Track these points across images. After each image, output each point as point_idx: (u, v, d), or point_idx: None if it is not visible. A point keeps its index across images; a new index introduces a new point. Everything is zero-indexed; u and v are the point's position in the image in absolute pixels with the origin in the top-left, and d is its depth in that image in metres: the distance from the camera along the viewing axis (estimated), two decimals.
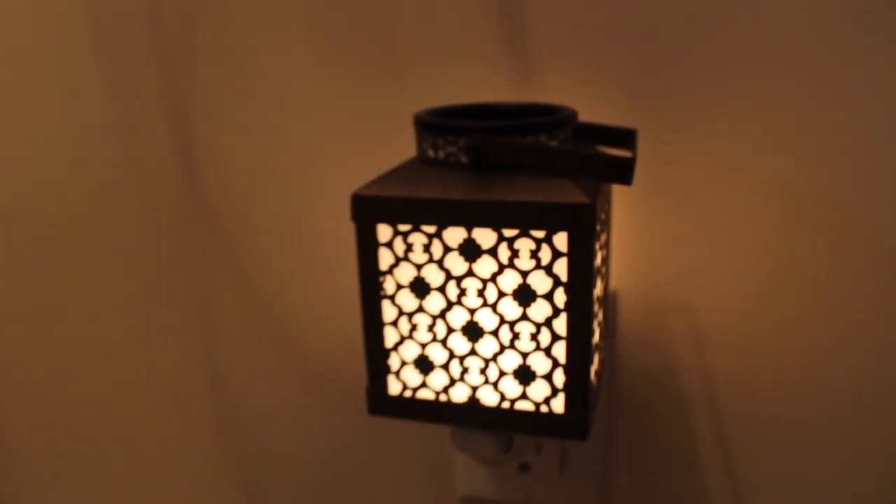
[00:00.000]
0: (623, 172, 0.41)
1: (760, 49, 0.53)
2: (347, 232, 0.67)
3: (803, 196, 0.55)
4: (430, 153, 0.46)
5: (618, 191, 0.59)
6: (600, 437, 0.64)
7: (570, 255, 0.42)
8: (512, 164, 0.43)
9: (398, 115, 0.63)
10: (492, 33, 0.58)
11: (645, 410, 0.64)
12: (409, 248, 0.45)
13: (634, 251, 0.60)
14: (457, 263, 0.44)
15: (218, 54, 0.67)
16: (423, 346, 0.47)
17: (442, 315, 0.46)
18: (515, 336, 0.45)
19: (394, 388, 0.49)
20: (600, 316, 0.51)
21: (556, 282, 0.43)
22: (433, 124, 0.45)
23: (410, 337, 0.47)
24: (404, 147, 0.63)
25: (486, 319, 0.45)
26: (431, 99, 0.61)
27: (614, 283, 0.61)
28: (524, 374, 0.46)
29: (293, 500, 0.79)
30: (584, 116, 0.58)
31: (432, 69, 0.61)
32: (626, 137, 0.51)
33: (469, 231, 0.43)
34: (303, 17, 0.63)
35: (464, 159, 0.45)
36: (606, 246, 0.52)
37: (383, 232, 0.45)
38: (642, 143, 0.57)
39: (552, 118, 0.45)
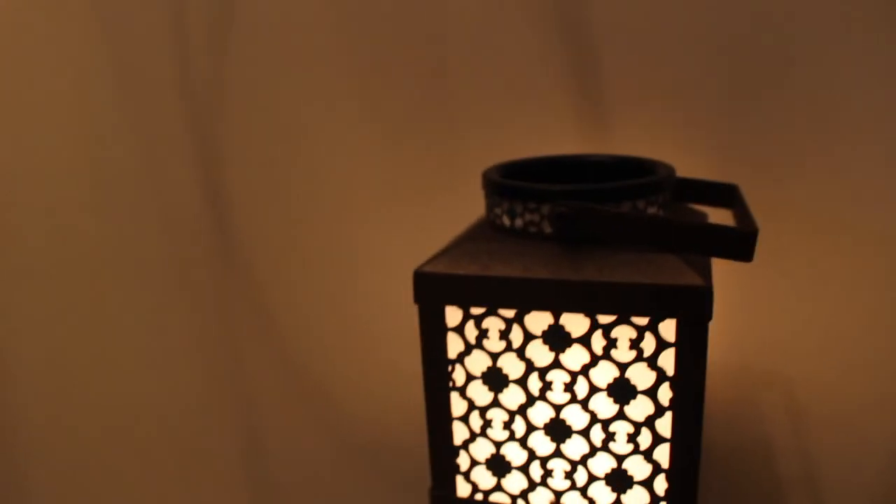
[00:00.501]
0: (745, 248, 0.34)
1: (870, 99, 0.46)
2: (390, 293, 0.61)
3: None
4: (506, 220, 0.40)
5: None
6: None
7: (680, 345, 0.35)
8: (607, 237, 0.36)
9: (451, 168, 0.57)
10: (558, 75, 0.52)
11: (736, 494, 0.57)
12: (482, 334, 0.38)
13: (725, 317, 0.53)
14: (540, 353, 0.38)
15: (253, 100, 0.61)
16: (498, 445, 0.40)
17: (521, 411, 0.39)
18: (610, 437, 0.38)
19: (462, 490, 0.42)
20: None
21: (661, 376, 0.36)
22: (510, 187, 0.39)
23: (483, 434, 0.40)
24: (457, 205, 0.57)
25: (575, 417, 0.38)
26: (489, 150, 0.55)
27: None
28: (619, 480, 0.39)
29: None
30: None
31: (490, 116, 0.54)
32: (726, 194, 0.44)
33: (556, 316, 0.37)
34: (346, 57, 0.57)
35: (548, 230, 0.38)
36: None
37: (452, 315, 0.38)
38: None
39: (651, 179, 0.38)
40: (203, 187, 0.65)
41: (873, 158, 0.48)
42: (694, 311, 0.34)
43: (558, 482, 0.40)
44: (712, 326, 0.53)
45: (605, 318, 0.36)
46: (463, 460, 0.41)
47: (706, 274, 0.35)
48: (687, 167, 0.51)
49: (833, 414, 0.53)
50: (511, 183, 0.39)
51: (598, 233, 0.36)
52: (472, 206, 0.56)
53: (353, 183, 0.60)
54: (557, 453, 0.39)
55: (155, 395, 0.73)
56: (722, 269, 0.52)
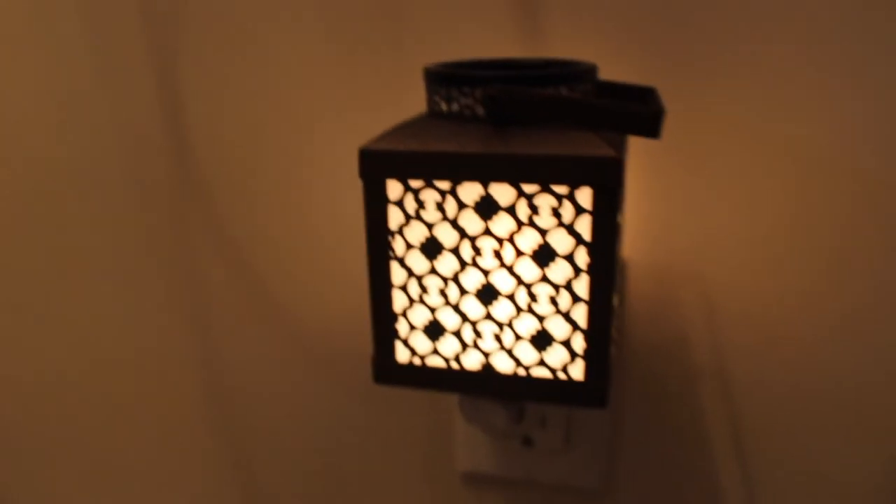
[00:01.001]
0: (651, 125, 0.39)
1: (784, 14, 0.51)
2: (346, 195, 0.65)
3: (822, 163, 0.53)
4: (444, 106, 0.44)
5: (630, 153, 0.57)
6: (606, 411, 0.63)
7: (595, 212, 0.40)
8: (532, 117, 0.41)
9: (399, 75, 0.60)
10: None
11: (653, 383, 0.62)
12: (420, 205, 0.42)
13: (645, 219, 0.58)
14: (472, 222, 0.42)
15: (208, 12, 0.63)
16: (434, 310, 0.45)
17: (455, 277, 0.44)
18: (533, 299, 0.43)
19: (402, 355, 0.46)
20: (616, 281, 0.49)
21: (579, 241, 0.41)
22: (448, 75, 0.43)
23: (420, 301, 0.45)
24: (407, 109, 0.61)
25: (502, 281, 0.43)
26: (435, 58, 0.59)
27: (623, 251, 0.59)
28: (541, 340, 0.43)
29: (288, 477, 0.77)
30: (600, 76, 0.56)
31: (436, 26, 0.58)
32: (645, 95, 0.49)
33: (486, 187, 0.41)
34: None
35: (480, 112, 0.42)
36: (622, 208, 0.50)
37: (393, 188, 0.43)
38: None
39: (572, 69, 0.42)
40: (160, 101, 0.67)
41: (789, 69, 0.53)
42: (606, 180, 0.39)
43: (488, 344, 0.45)
44: (633, 227, 0.59)
45: (529, 188, 0.40)
46: (402, 327, 0.46)
47: (619, 148, 0.40)
48: (616, 73, 0.55)
49: (742, 311, 0.59)
50: (447, 70, 0.43)
51: (524, 114, 0.41)
52: (414, 109, 0.60)
53: (307, 96, 0.63)
54: (487, 316, 0.44)
55: (115, 311, 0.76)
56: (643, 175, 0.57)
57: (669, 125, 0.55)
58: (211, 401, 0.76)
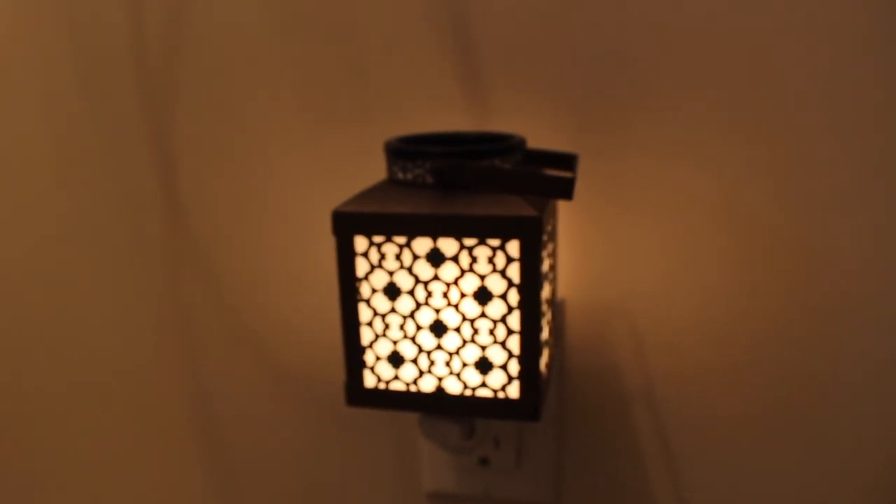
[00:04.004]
0: (564, 190, 0.49)
1: (689, 81, 0.61)
2: (318, 247, 0.74)
3: (736, 213, 0.63)
4: (400, 175, 0.54)
5: (566, 207, 0.66)
6: (552, 432, 0.71)
7: (522, 260, 0.49)
8: (471, 184, 0.50)
9: (364, 143, 0.70)
10: (449, 71, 0.66)
11: (592, 408, 0.71)
12: (382, 256, 0.52)
13: (581, 263, 0.68)
14: (424, 269, 0.51)
15: (200, 86, 0.73)
16: (395, 342, 0.54)
17: (411, 315, 0.53)
18: (475, 332, 0.52)
19: (369, 381, 0.55)
20: (549, 316, 0.58)
21: (510, 283, 0.50)
22: (403, 150, 0.53)
23: (384, 335, 0.54)
24: (370, 172, 0.70)
25: (450, 317, 0.52)
26: (395, 130, 0.69)
27: (562, 291, 0.68)
28: (483, 365, 0.53)
29: (269, 496, 0.85)
30: (535, 143, 0.66)
31: (395, 103, 0.68)
32: (568, 161, 0.59)
33: (434, 241, 0.50)
34: (280, 56, 0.70)
35: (430, 180, 0.52)
36: (553, 255, 0.60)
37: (360, 243, 0.52)
38: (589, 163, 0.65)
39: (504, 144, 0.53)
40: (156, 167, 0.77)
41: (703, 135, 0.63)
42: (530, 234, 0.49)
43: (440, 370, 0.54)
44: (569, 269, 0.68)
45: (469, 241, 0.50)
46: (369, 357, 0.55)
47: (540, 208, 0.50)
48: (554, 141, 0.65)
49: (666, 340, 0.68)
50: (404, 147, 0.53)
51: (465, 181, 0.51)
52: (377, 175, 0.70)
53: (284, 156, 0.73)
54: (439, 347, 0.53)
55: (110, 345, 0.84)
56: (577, 224, 0.67)
57: (598, 180, 0.65)
58: (192, 425, 0.84)
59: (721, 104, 0.61)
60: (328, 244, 0.73)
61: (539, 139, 0.65)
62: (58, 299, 0.84)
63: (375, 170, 0.70)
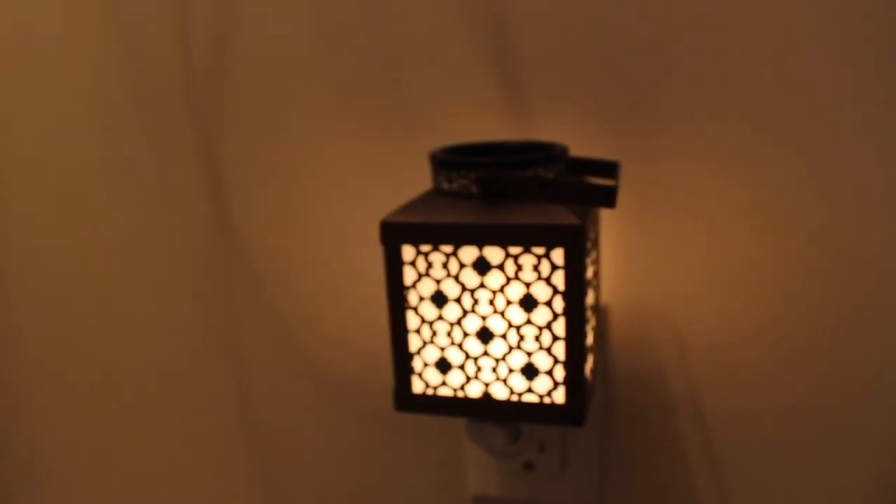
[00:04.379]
0: (608, 197, 0.50)
1: (729, 88, 0.62)
2: (362, 255, 0.75)
3: (775, 217, 0.63)
4: (445, 185, 0.55)
5: (608, 213, 0.67)
6: (596, 437, 0.72)
7: (566, 267, 0.50)
8: (515, 194, 0.52)
9: (407, 153, 0.72)
10: (491, 80, 0.67)
11: (636, 412, 0.72)
12: (429, 265, 0.53)
13: (624, 269, 0.68)
14: (470, 277, 0.53)
15: (246, 98, 0.75)
16: (443, 349, 0.55)
17: (458, 322, 0.54)
18: (521, 338, 0.53)
19: (417, 387, 0.57)
20: (593, 322, 0.59)
21: (555, 291, 0.51)
22: (448, 161, 0.54)
23: (431, 342, 0.55)
24: (414, 182, 0.72)
25: (496, 324, 0.53)
26: (437, 139, 0.70)
27: (605, 297, 0.69)
28: (529, 371, 0.54)
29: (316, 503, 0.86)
30: (577, 150, 0.67)
31: (437, 113, 0.69)
32: (610, 169, 0.60)
33: (480, 250, 0.52)
34: (323, 67, 0.72)
35: (474, 190, 0.53)
36: (596, 262, 0.60)
37: (407, 252, 0.53)
38: (631, 171, 0.66)
39: (547, 153, 0.54)
40: (204, 178, 0.79)
41: (741, 143, 0.63)
42: (574, 242, 0.50)
43: (487, 375, 0.55)
44: (612, 276, 0.69)
45: (514, 250, 0.51)
46: (417, 364, 0.56)
47: (583, 217, 0.51)
48: (594, 149, 0.66)
49: (708, 344, 0.68)
50: (448, 157, 0.54)
51: (509, 191, 0.52)
52: (421, 185, 0.71)
53: (329, 166, 0.74)
54: (485, 353, 0.54)
55: (159, 355, 0.87)
56: (626, 232, 0.68)
57: (641, 186, 0.66)
58: (241, 433, 0.86)
59: (758, 110, 0.61)
60: (372, 252, 0.75)
61: (580, 146, 0.66)
62: (107, 309, 0.87)
63: (419, 179, 0.72)
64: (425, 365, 0.56)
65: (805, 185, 0.62)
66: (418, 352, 0.56)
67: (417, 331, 0.55)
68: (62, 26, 0.80)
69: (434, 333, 0.55)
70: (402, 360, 0.56)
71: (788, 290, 0.64)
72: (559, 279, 0.51)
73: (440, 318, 0.54)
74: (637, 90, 0.64)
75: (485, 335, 0.54)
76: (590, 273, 0.55)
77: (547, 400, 0.54)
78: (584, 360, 0.52)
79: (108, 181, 0.83)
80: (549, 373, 0.53)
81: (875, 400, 0.65)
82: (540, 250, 0.51)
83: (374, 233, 0.75)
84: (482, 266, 0.52)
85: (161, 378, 0.88)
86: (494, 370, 0.54)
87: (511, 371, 0.54)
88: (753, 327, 0.66)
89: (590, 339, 0.57)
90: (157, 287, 0.84)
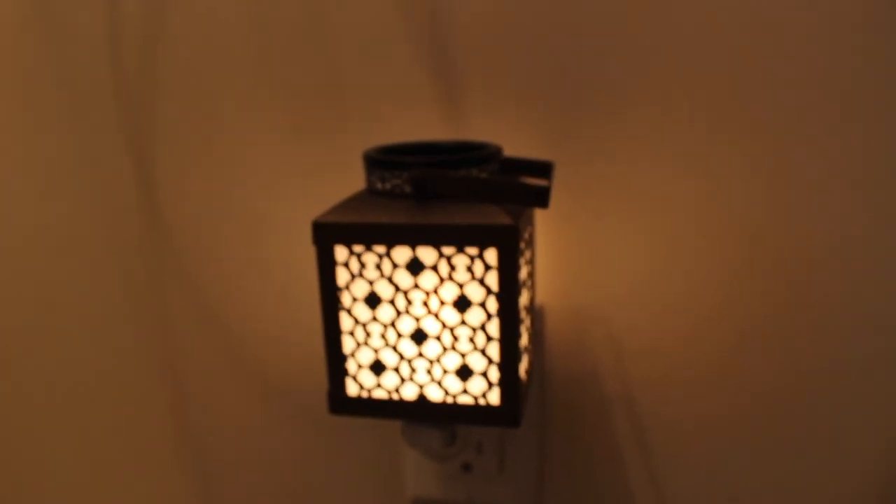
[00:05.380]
0: (540, 198, 0.50)
1: (664, 86, 0.63)
2: (296, 255, 0.74)
3: (710, 217, 0.64)
4: (379, 185, 0.54)
5: (543, 215, 0.67)
6: (533, 438, 0.72)
7: (499, 268, 0.50)
8: (448, 194, 0.51)
9: (341, 152, 0.71)
10: (426, 80, 0.67)
11: (572, 412, 0.72)
12: (362, 266, 0.53)
13: (558, 269, 0.69)
14: (404, 278, 0.52)
15: (179, 97, 0.74)
16: (377, 351, 0.54)
17: (392, 323, 0.54)
18: (455, 339, 0.53)
19: (352, 389, 0.56)
20: (527, 322, 0.59)
21: (489, 291, 0.51)
22: (382, 160, 0.53)
23: (365, 344, 0.55)
24: (348, 181, 0.71)
25: (430, 326, 0.53)
26: (372, 139, 0.69)
27: (540, 297, 0.69)
28: (464, 372, 0.53)
29: None
30: (511, 151, 0.67)
31: (371, 112, 0.69)
32: (544, 169, 0.60)
33: (414, 250, 0.51)
34: (256, 64, 0.71)
35: (408, 190, 0.53)
36: (531, 262, 0.60)
37: (340, 253, 0.53)
38: (566, 171, 0.66)
39: (480, 153, 0.53)
40: (135, 177, 0.77)
41: (672, 141, 0.64)
42: (507, 242, 0.50)
43: (421, 377, 0.55)
44: (547, 276, 0.69)
45: (448, 250, 0.51)
46: (351, 366, 0.56)
47: (517, 217, 0.51)
48: (528, 149, 0.66)
49: (644, 345, 0.69)
50: (382, 157, 0.54)
51: (443, 191, 0.51)
52: (355, 183, 0.71)
53: (262, 165, 0.73)
54: (420, 355, 0.54)
55: (88, 354, 0.84)
56: (560, 232, 0.68)
57: (575, 186, 0.66)
58: (175, 436, 0.85)
59: (697, 108, 0.62)
60: (306, 252, 0.74)
61: (514, 147, 0.66)
62: (36, 310, 0.84)
63: (353, 179, 0.71)
64: (359, 367, 0.55)
65: (742, 184, 0.63)
66: (352, 354, 0.55)
67: (351, 332, 0.55)
68: None
69: (368, 335, 0.54)
70: (336, 363, 0.55)
71: (724, 291, 0.65)
72: (492, 280, 0.51)
73: (374, 319, 0.54)
74: (572, 90, 0.64)
75: (419, 336, 0.53)
76: (524, 273, 0.55)
77: (482, 401, 0.54)
78: (518, 361, 0.52)
79: (37, 179, 0.80)
80: (484, 374, 0.53)
81: (811, 398, 0.66)
82: (473, 251, 0.50)
83: (308, 232, 0.74)
84: (415, 267, 0.52)
85: (91, 378, 0.85)
86: (429, 372, 0.54)
87: (446, 372, 0.54)
88: (689, 327, 0.67)
89: (524, 340, 0.57)
90: (87, 286, 0.82)
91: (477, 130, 0.67)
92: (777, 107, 0.61)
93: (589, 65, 0.63)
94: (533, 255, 0.62)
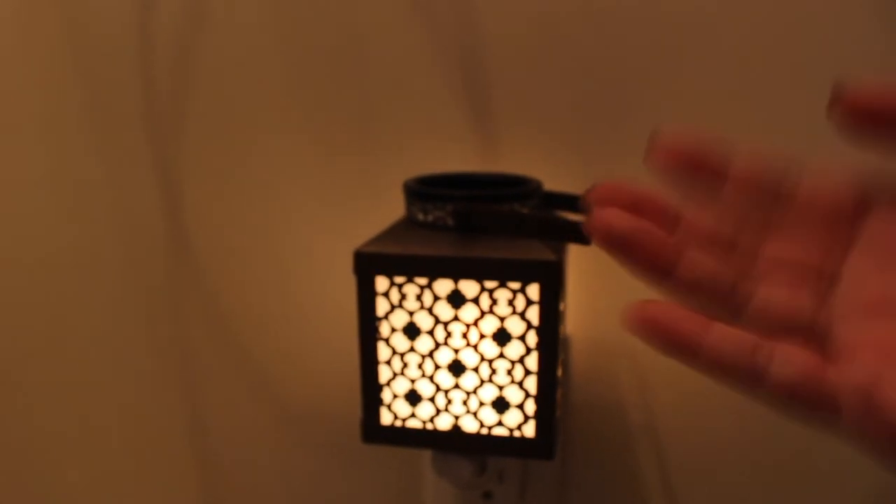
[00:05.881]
0: (582, 235, 0.50)
1: (700, 121, 0.63)
2: (325, 281, 0.75)
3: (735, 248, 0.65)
4: (420, 216, 0.55)
5: (572, 246, 0.68)
6: (555, 467, 0.72)
7: (541, 303, 0.51)
8: (491, 228, 0.52)
9: (371, 179, 0.71)
10: (460, 109, 0.68)
11: (595, 443, 0.72)
12: (403, 297, 0.53)
13: (585, 299, 0.69)
14: (444, 310, 0.52)
15: (208, 124, 0.74)
16: (413, 381, 0.55)
17: (430, 354, 0.54)
18: (493, 372, 0.53)
19: (386, 418, 0.56)
20: (561, 356, 0.59)
21: (529, 325, 0.52)
22: (425, 193, 0.54)
23: (402, 373, 0.55)
24: (380, 210, 0.71)
25: (469, 358, 0.53)
26: (405, 168, 0.70)
27: (567, 328, 0.70)
28: (500, 404, 0.54)
29: None
30: (543, 180, 0.67)
31: (405, 140, 0.69)
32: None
33: (456, 283, 0.52)
34: (289, 90, 0.71)
35: (450, 222, 0.53)
36: (564, 297, 0.61)
37: (381, 283, 0.53)
38: None
39: (523, 189, 0.54)
40: (162, 200, 0.77)
41: None
42: (549, 278, 0.50)
43: (457, 408, 0.55)
44: (575, 309, 0.70)
45: (490, 284, 0.51)
46: (386, 395, 0.56)
47: (559, 253, 0.51)
48: (557, 180, 0.67)
49: (668, 376, 0.69)
50: (425, 189, 0.54)
51: (485, 225, 0.52)
52: (388, 213, 0.71)
53: (291, 191, 0.73)
54: (456, 386, 0.54)
55: (109, 378, 0.84)
56: (586, 265, 0.68)
57: None
58: (200, 466, 0.84)
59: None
60: (335, 278, 0.74)
61: (547, 178, 0.67)
62: (57, 332, 0.84)
63: (382, 206, 0.71)
64: (394, 396, 0.56)
65: None
66: (388, 383, 0.55)
67: (388, 362, 0.55)
68: (16, 40, 0.77)
69: (405, 365, 0.55)
70: (371, 391, 0.55)
71: None
72: (534, 314, 0.51)
73: (412, 349, 0.54)
74: (606, 122, 0.65)
75: (456, 368, 0.54)
76: (560, 307, 0.56)
77: (517, 433, 0.54)
78: (555, 395, 0.53)
79: (64, 200, 0.80)
80: (520, 406, 0.53)
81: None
82: (516, 285, 0.51)
83: (339, 258, 0.74)
84: (457, 299, 0.52)
85: (110, 403, 0.85)
86: (465, 403, 0.54)
87: (482, 404, 0.54)
88: None
89: (559, 373, 0.57)
90: (110, 309, 0.82)
91: (509, 161, 0.67)
92: (799, 128, 0.61)
93: (624, 96, 0.64)
94: (565, 288, 0.62)
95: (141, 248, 0.79)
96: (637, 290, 0.68)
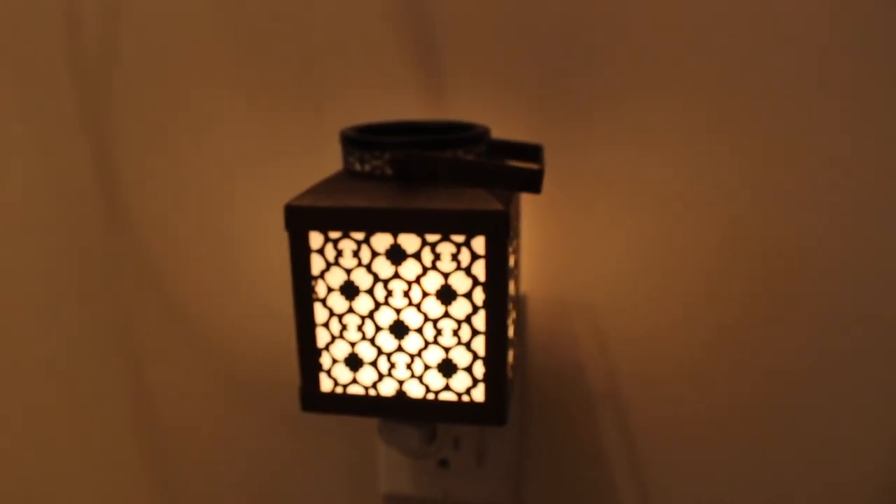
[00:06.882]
0: (532, 182, 0.46)
1: (653, 73, 0.59)
2: (267, 241, 0.70)
3: (693, 205, 0.62)
4: (357, 167, 0.50)
5: (526, 201, 0.64)
6: (513, 431, 0.69)
7: (487, 257, 0.47)
8: (432, 176, 0.48)
9: (315, 132, 0.67)
10: (405, 59, 0.63)
11: (554, 406, 0.69)
12: (339, 253, 0.49)
13: (542, 257, 0.66)
14: (384, 267, 0.48)
15: (140, 75, 0.69)
16: (353, 344, 0.51)
17: (370, 315, 0.50)
18: (438, 332, 0.49)
19: (325, 385, 0.52)
20: (513, 314, 0.56)
21: (475, 282, 0.48)
22: (361, 140, 0.49)
23: (341, 337, 0.51)
24: (321, 163, 0.67)
25: (412, 318, 0.49)
26: (347, 119, 0.65)
27: (523, 286, 0.66)
28: (447, 367, 0.50)
29: None
30: (496, 134, 0.63)
31: (347, 91, 0.65)
32: (533, 152, 0.56)
33: (395, 237, 0.48)
34: (224, 41, 0.66)
35: (388, 172, 0.49)
36: (517, 251, 0.57)
37: (315, 239, 0.49)
38: (551, 158, 0.63)
39: (468, 134, 0.50)
40: (93, 160, 0.72)
41: (662, 128, 0.61)
42: (496, 229, 0.46)
43: (401, 372, 0.51)
44: (530, 266, 0.66)
45: (432, 237, 0.47)
46: (325, 360, 0.52)
47: (507, 202, 0.47)
48: (514, 132, 0.63)
49: (628, 337, 0.66)
50: (361, 136, 0.50)
51: (426, 174, 0.48)
52: (329, 167, 0.67)
53: (229, 146, 0.69)
54: (399, 349, 0.50)
55: (46, 350, 0.80)
56: (539, 219, 0.65)
57: (560, 173, 0.63)
58: (138, 431, 0.80)
59: (689, 98, 0.59)
60: (277, 238, 0.70)
61: (500, 132, 0.63)
62: None
63: (327, 160, 0.67)
64: (334, 361, 0.52)
65: (727, 173, 0.60)
66: (326, 347, 0.51)
67: (326, 325, 0.51)
68: None
69: (344, 327, 0.51)
70: (309, 357, 0.51)
71: (709, 280, 0.63)
72: (480, 269, 0.47)
73: (350, 310, 0.50)
74: (560, 75, 0.61)
75: (399, 329, 0.50)
76: (511, 262, 0.52)
77: (466, 398, 0.50)
78: (505, 356, 0.49)
79: None
80: (468, 369, 0.50)
81: (798, 392, 0.64)
82: (460, 238, 0.47)
83: (280, 216, 0.70)
84: (397, 255, 0.48)
85: (49, 375, 0.81)
86: (409, 367, 0.51)
87: (427, 368, 0.50)
88: (674, 318, 0.64)
89: (510, 333, 0.54)
90: (43, 278, 0.77)
91: (461, 113, 0.63)
92: (767, 100, 0.58)
93: (579, 50, 0.60)
94: (518, 243, 0.59)
95: (72, 211, 0.74)
96: (595, 246, 0.65)
